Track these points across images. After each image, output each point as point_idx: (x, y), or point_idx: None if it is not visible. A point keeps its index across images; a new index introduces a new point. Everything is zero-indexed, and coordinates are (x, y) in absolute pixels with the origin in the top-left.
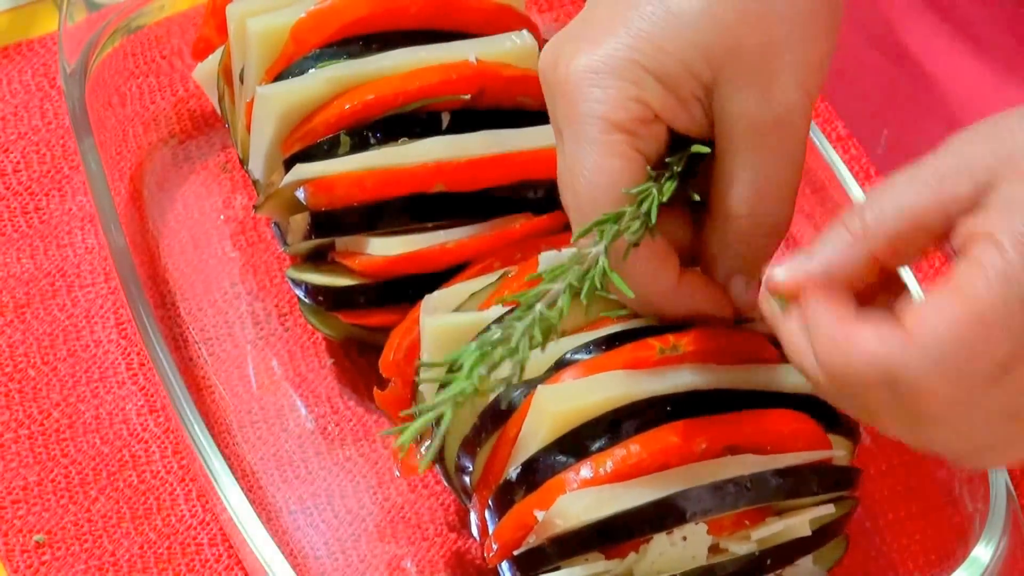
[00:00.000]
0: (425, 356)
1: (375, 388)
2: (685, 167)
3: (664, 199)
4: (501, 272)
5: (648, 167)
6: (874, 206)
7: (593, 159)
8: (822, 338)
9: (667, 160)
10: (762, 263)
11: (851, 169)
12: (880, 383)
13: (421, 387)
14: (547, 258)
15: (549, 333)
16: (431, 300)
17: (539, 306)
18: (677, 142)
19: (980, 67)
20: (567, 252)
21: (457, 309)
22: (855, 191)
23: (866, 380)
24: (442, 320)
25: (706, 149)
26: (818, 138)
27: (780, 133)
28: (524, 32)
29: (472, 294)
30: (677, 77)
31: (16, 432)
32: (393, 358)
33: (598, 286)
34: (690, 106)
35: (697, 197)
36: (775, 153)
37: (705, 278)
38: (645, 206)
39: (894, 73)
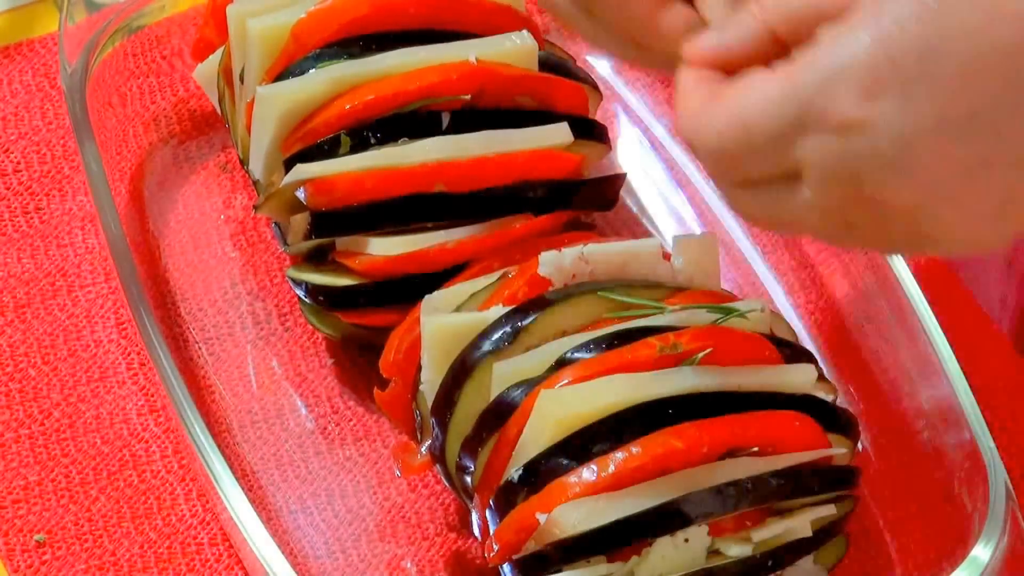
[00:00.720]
0: (425, 357)
1: (375, 388)
2: None
3: None
4: (501, 272)
5: None
6: None
7: None
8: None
9: None
10: None
11: None
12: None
13: (422, 387)
14: (548, 258)
15: None
16: (431, 300)
17: None
18: None
19: None
20: (568, 252)
21: (457, 309)
22: None
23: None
24: (442, 320)
25: None
26: None
27: None
28: (524, 32)
29: (472, 294)
30: None
31: (16, 432)
32: (393, 358)
33: None
34: None
35: None
36: None
37: None
38: None
39: None
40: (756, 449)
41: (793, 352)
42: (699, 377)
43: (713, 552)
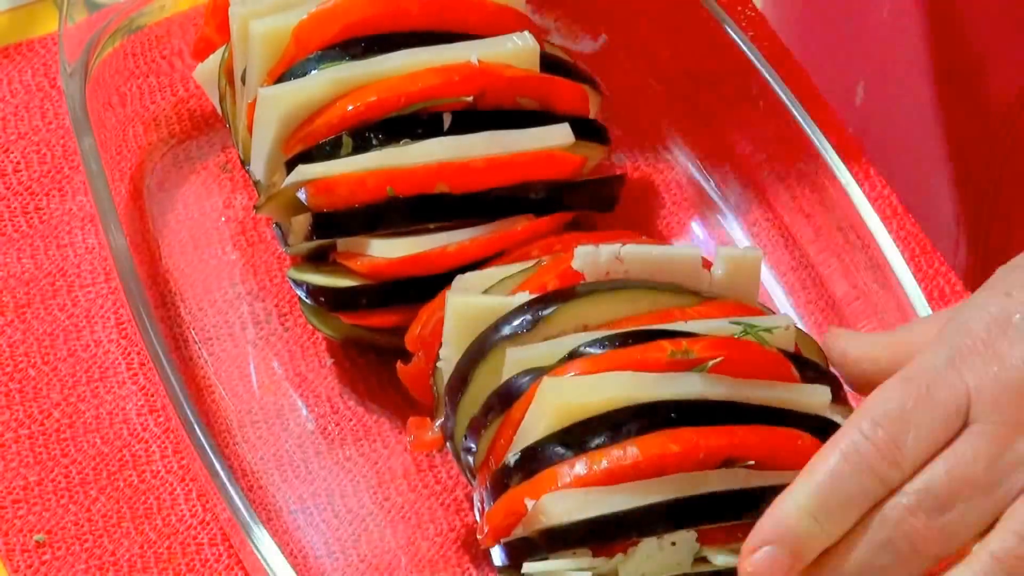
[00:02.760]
0: (446, 334)
1: (398, 361)
2: None
3: None
4: (536, 260)
5: None
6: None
7: None
8: None
9: None
10: None
11: (851, 170)
12: None
13: (439, 364)
14: (583, 252)
15: None
16: (462, 280)
17: None
18: None
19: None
20: (604, 249)
21: (486, 292)
22: (855, 192)
23: None
24: (467, 300)
25: None
26: (818, 138)
27: None
28: (525, 33)
29: (503, 279)
30: None
31: (16, 432)
32: (420, 332)
33: None
34: None
35: None
36: None
37: None
38: None
39: (864, 20)
40: (753, 463)
41: (816, 375)
42: (705, 385)
43: (700, 559)
